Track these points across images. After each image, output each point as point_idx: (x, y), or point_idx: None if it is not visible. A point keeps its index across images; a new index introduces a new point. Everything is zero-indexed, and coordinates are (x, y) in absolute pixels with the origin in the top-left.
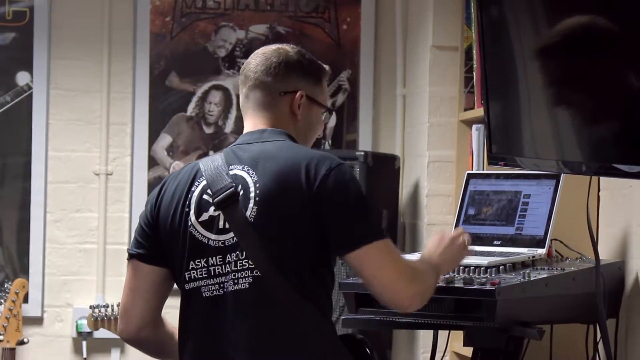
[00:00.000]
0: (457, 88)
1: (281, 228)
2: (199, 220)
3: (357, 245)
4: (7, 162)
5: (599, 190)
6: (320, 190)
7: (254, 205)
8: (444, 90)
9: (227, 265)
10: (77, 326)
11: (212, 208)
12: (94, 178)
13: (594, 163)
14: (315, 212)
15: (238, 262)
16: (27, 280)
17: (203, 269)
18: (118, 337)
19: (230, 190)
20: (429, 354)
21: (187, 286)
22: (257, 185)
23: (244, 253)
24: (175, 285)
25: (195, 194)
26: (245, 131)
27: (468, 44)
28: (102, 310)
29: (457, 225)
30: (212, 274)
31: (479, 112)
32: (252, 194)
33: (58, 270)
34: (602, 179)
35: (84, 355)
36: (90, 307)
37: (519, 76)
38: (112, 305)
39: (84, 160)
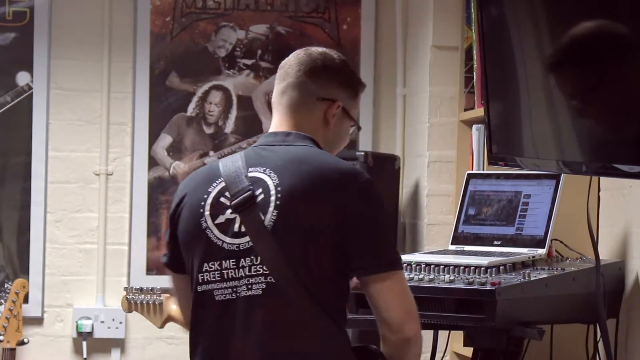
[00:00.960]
0: (457, 88)
1: (301, 235)
2: (215, 222)
3: (381, 271)
4: (8, 162)
5: (599, 191)
6: (347, 204)
7: (274, 209)
8: (444, 90)
9: (241, 269)
10: (77, 326)
11: (228, 211)
12: (94, 178)
13: (594, 163)
14: (339, 225)
15: (252, 267)
16: (27, 280)
17: (216, 272)
18: (118, 337)
19: (248, 193)
20: (429, 354)
21: (199, 288)
22: (279, 189)
23: (259, 258)
24: None
25: (213, 195)
26: (270, 129)
27: (468, 44)
28: (137, 293)
29: (457, 225)
30: (225, 277)
31: (479, 112)
32: (272, 198)
33: (58, 270)
34: (602, 179)
35: (84, 356)
36: (125, 288)
37: (519, 76)
38: (146, 289)
39: (84, 160)
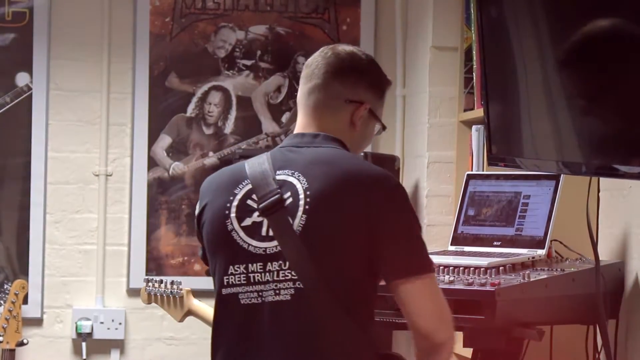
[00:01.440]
0: (456, 89)
1: (330, 240)
2: (242, 225)
3: (410, 275)
4: (7, 163)
5: (598, 191)
6: (377, 209)
7: (303, 214)
8: (444, 91)
9: (268, 274)
10: (76, 327)
11: (256, 214)
12: (94, 179)
13: (594, 164)
14: (369, 230)
15: (280, 272)
16: (27, 281)
17: (242, 275)
18: (118, 338)
19: (276, 197)
20: None
21: (224, 291)
22: (308, 193)
23: (287, 263)
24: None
25: (239, 197)
26: (296, 130)
27: (468, 44)
28: (157, 285)
29: (456, 226)
30: (251, 281)
31: (478, 112)
32: (301, 202)
33: (58, 271)
34: (601, 179)
35: (84, 357)
36: (145, 279)
37: (519, 77)
38: (166, 282)
39: (84, 161)
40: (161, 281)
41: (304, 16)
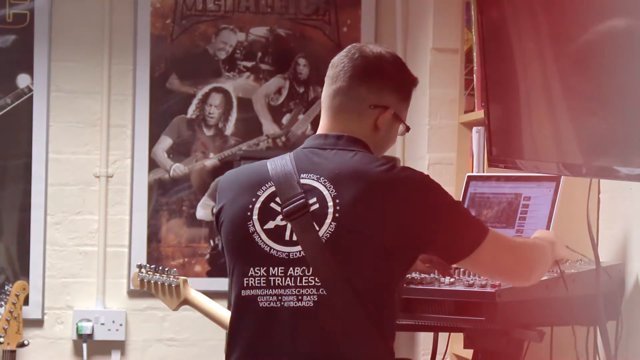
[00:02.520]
0: (457, 90)
1: (360, 248)
2: (264, 227)
3: (468, 253)
4: (8, 165)
5: (599, 193)
6: (414, 210)
7: (332, 221)
8: (445, 93)
9: (289, 278)
10: (77, 328)
11: (279, 217)
12: (95, 180)
13: (594, 165)
14: (407, 232)
15: (303, 277)
16: (28, 282)
17: (262, 278)
18: (119, 339)
19: (301, 202)
20: (429, 356)
21: (243, 292)
22: (337, 201)
23: (311, 269)
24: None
25: (262, 199)
26: (320, 130)
27: (468, 46)
28: (150, 272)
29: None
30: (272, 284)
31: (479, 114)
32: (330, 210)
33: (58, 272)
34: (602, 181)
35: (84, 358)
36: (137, 265)
37: (519, 78)
38: (160, 269)
39: (85, 162)
40: (155, 268)
41: (305, 18)
